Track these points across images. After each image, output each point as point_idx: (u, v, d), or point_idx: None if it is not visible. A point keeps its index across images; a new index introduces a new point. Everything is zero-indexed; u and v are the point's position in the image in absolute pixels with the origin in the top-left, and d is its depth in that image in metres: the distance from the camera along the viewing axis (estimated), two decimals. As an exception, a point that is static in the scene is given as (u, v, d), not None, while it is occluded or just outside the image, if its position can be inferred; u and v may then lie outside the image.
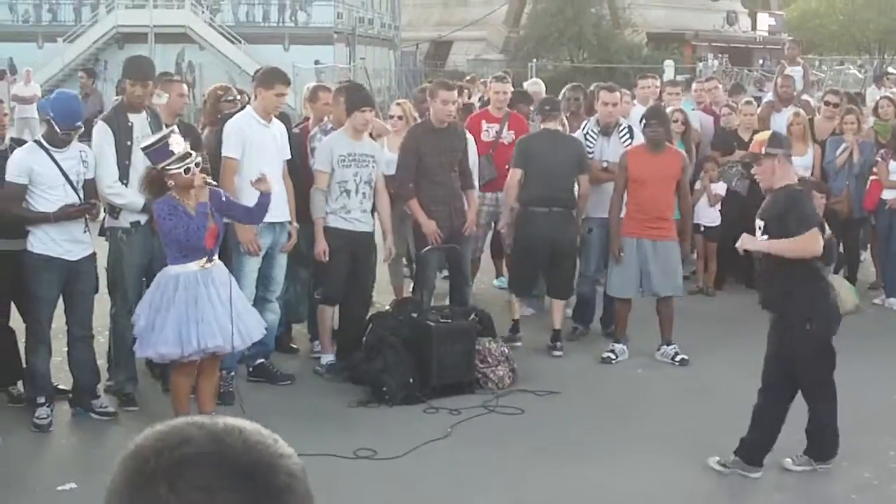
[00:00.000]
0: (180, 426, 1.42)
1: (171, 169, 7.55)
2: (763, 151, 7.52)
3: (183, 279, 7.63)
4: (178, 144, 7.60)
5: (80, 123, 8.35)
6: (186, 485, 1.33)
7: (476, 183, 10.82)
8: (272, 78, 9.33)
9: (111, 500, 1.39)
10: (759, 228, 7.55)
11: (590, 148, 10.96)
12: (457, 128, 10.57)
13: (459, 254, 10.46)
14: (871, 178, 12.71)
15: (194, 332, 7.56)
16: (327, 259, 9.55)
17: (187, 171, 7.56)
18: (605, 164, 10.93)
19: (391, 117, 11.41)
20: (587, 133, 11.07)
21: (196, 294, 7.61)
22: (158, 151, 7.60)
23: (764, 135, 7.87)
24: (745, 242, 7.56)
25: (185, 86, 10.03)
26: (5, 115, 8.94)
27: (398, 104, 11.87)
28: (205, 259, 7.69)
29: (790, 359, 7.43)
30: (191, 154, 7.64)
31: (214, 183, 8.04)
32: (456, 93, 10.72)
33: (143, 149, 7.84)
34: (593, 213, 10.96)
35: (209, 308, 7.63)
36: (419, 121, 11.11)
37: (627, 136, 11.00)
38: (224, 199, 7.95)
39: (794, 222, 7.32)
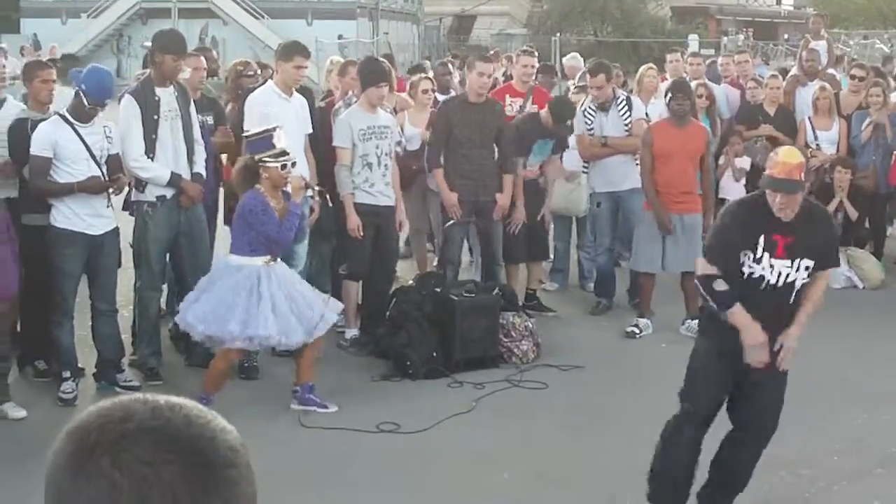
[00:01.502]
0: (124, 402, 1.42)
1: (268, 162, 7.74)
2: (801, 178, 6.12)
3: (245, 272, 7.80)
4: (280, 140, 7.83)
5: (108, 101, 8.37)
6: (131, 459, 1.34)
7: None
8: (291, 51, 9.35)
9: (53, 475, 1.39)
10: (804, 269, 6.16)
11: (588, 124, 10.96)
12: (495, 105, 10.52)
13: (490, 234, 10.42)
14: (896, 152, 12.62)
15: (260, 324, 7.70)
16: (361, 235, 9.53)
17: (283, 167, 7.77)
18: (604, 140, 10.91)
19: (424, 92, 11.31)
20: (585, 110, 11.06)
21: (259, 287, 7.76)
22: (261, 142, 7.84)
23: (793, 157, 6.19)
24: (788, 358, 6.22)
25: (203, 59, 10.00)
26: (54, 81, 8.89)
27: (427, 78, 11.83)
28: (269, 257, 7.88)
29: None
30: (287, 153, 7.86)
31: (317, 188, 8.16)
32: (492, 66, 10.74)
33: (246, 137, 8.11)
34: (600, 188, 11.02)
35: (267, 303, 7.74)
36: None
37: (626, 108, 10.97)
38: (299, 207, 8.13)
39: (835, 249, 6.55)
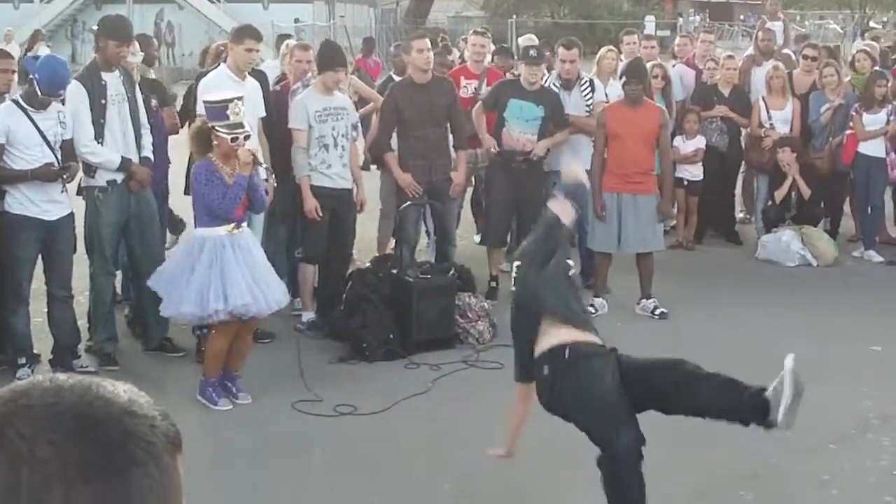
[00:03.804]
0: (37, 381, 1.38)
1: (219, 131, 7.73)
2: None
3: (209, 243, 7.79)
4: (235, 114, 7.78)
5: (62, 91, 8.34)
6: (13, 434, 1.30)
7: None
8: (242, 34, 9.36)
9: None
10: None
11: None
12: (442, 82, 10.52)
13: (443, 213, 10.45)
14: (847, 132, 12.71)
15: (220, 294, 7.67)
16: (319, 216, 9.53)
17: (234, 139, 7.73)
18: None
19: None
20: (548, 87, 11.10)
21: (222, 257, 7.76)
22: (216, 110, 7.81)
23: None
24: None
25: (137, 44, 9.91)
26: (14, 70, 8.83)
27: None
28: (233, 225, 7.85)
29: None
30: (243, 126, 7.81)
31: (262, 163, 8.10)
32: (428, 40, 10.68)
33: (205, 102, 8.08)
34: (556, 167, 11.02)
35: (237, 270, 7.76)
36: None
37: (589, 89, 11.04)
38: (256, 179, 8.07)
39: None
